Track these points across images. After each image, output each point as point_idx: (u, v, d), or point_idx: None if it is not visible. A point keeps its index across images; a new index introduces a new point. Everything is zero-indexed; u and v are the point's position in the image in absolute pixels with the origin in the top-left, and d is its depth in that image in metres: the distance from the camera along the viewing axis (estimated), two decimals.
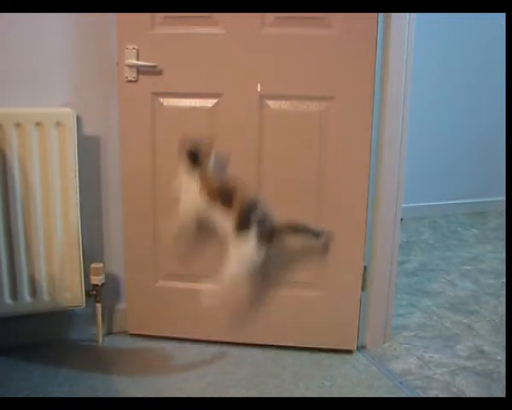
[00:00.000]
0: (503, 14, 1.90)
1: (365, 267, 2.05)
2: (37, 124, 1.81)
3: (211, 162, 1.50)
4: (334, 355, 2.05)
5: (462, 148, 4.04)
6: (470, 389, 1.87)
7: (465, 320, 2.39)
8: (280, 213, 1.98)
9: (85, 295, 2.00)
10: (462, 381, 1.92)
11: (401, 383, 1.90)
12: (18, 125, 1.79)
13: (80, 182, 1.92)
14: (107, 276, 2.09)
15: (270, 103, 1.91)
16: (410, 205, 3.75)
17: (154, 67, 1.89)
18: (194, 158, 1.49)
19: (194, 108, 1.94)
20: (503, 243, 3.42)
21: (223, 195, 1.47)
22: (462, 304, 2.56)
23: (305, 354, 2.05)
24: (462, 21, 3.72)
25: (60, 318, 2.09)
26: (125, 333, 2.16)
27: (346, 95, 1.87)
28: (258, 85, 1.88)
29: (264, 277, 1.49)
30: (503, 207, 3.88)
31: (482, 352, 2.12)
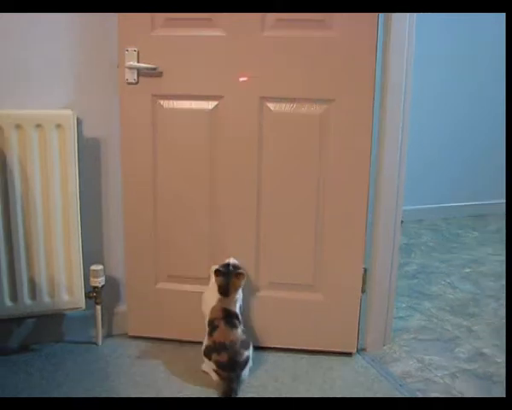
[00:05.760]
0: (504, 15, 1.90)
1: (365, 269, 2.05)
2: (38, 126, 1.82)
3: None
4: (333, 358, 2.05)
5: (462, 150, 4.05)
6: (470, 391, 1.87)
7: (465, 323, 2.39)
8: (280, 214, 1.99)
9: (85, 297, 2.00)
10: (462, 383, 1.92)
11: (401, 385, 1.90)
12: (18, 126, 1.80)
13: (80, 184, 1.93)
14: (107, 278, 2.09)
15: (271, 106, 1.91)
16: (411, 207, 3.76)
17: (155, 69, 1.89)
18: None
19: (194, 111, 1.94)
20: (504, 246, 3.42)
21: None
22: (463, 306, 2.56)
23: (305, 357, 2.05)
24: (465, 23, 3.73)
25: (59, 320, 2.09)
26: (125, 335, 2.16)
27: (347, 97, 1.87)
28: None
29: None
30: (503, 210, 3.91)
31: (482, 354, 2.12)
